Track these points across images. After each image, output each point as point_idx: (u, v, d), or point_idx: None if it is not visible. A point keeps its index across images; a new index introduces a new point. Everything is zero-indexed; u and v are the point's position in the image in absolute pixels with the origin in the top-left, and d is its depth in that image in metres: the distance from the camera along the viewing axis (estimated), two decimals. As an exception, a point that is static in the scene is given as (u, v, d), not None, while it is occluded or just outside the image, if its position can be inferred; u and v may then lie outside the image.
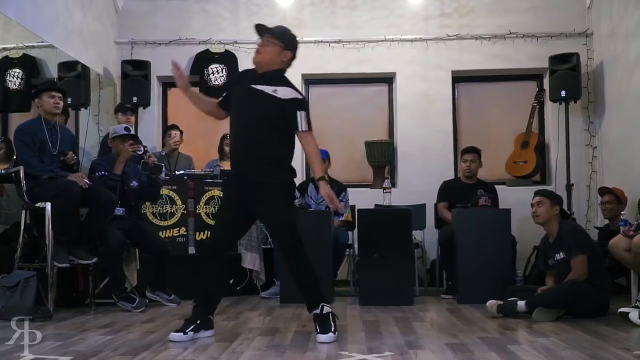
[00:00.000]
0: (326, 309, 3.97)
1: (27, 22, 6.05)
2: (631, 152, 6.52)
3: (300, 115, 3.97)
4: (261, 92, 3.95)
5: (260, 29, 4.03)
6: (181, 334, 3.81)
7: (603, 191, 6.41)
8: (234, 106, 4.07)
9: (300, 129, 3.98)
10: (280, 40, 4.01)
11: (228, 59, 7.80)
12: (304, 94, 7.92)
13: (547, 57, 7.40)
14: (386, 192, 5.83)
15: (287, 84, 4.04)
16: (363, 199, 6.60)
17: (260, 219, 4.30)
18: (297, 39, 4.14)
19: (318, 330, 3.85)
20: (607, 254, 5.16)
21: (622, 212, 5.44)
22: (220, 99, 4.20)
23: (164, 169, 6.01)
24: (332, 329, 3.84)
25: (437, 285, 6.76)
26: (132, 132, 5.76)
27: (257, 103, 3.97)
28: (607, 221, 6.41)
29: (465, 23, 7.79)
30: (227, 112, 4.16)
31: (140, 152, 5.61)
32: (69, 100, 6.52)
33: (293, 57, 4.10)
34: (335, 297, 5.87)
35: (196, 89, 4.08)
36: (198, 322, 3.91)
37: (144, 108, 7.73)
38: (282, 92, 3.97)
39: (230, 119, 4.12)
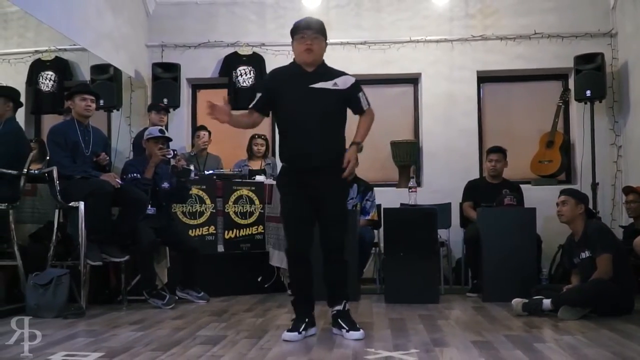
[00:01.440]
0: (347, 306, 3.99)
1: (59, 25, 6.12)
2: (657, 151, 6.42)
3: (362, 96, 4.03)
4: (323, 90, 3.92)
5: (299, 27, 3.96)
6: (296, 333, 3.78)
7: (627, 190, 6.33)
8: (292, 108, 3.94)
9: (365, 109, 4.03)
10: (323, 34, 3.99)
11: (256, 60, 7.83)
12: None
13: (571, 57, 7.31)
14: (411, 192, 5.80)
15: (339, 72, 4.04)
16: (389, 198, 6.58)
17: (322, 209, 4.00)
18: None
19: (347, 328, 3.83)
20: (631, 253, 5.09)
21: (648, 211, 5.36)
22: (254, 103, 4.07)
23: (192, 173, 6.04)
24: (358, 326, 3.84)
25: (462, 284, 6.71)
26: (166, 134, 5.79)
27: (322, 101, 3.91)
28: (631, 220, 6.31)
29: (489, 24, 7.73)
30: (262, 115, 4.10)
31: (170, 156, 5.65)
32: (101, 102, 6.60)
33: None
34: (361, 295, 5.85)
35: (232, 111, 4.00)
36: (307, 320, 3.90)
37: (174, 109, 7.78)
38: (342, 82, 3.97)
39: (284, 123, 4.01)
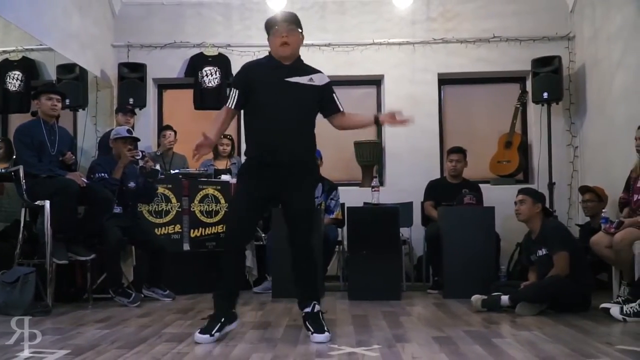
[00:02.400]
0: (317, 308, 3.86)
1: (27, 25, 6.04)
2: (611, 152, 6.55)
3: (336, 97, 3.95)
4: (298, 85, 3.80)
5: (279, 19, 3.84)
6: (207, 335, 3.58)
7: (584, 190, 6.44)
8: (266, 101, 3.79)
9: (341, 110, 3.94)
10: (298, 26, 3.86)
11: (221, 61, 7.80)
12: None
13: (529, 60, 7.43)
14: (374, 191, 5.84)
15: (314, 69, 3.94)
16: (352, 197, 6.61)
17: (289, 205, 3.90)
18: None
19: (312, 330, 3.69)
20: (588, 251, 5.18)
21: (604, 210, 5.45)
22: (234, 102, 3.86)
23: (160, 173, 6.00)
24: (326, 328, 3.70)
25: (423, 281, 6.77)
26: (134, 134, 5.74)
27: (297, 95, 3.80)
28: (588, 219, 6.43)
29: (451, 27, 7.80)
30: (238, 110, 3.95)
31: (138, 157, 5.60)
32: (67, 101, 6.50)
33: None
34: (326, 293, 5.87)
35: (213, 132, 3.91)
36: (222, 319, 3.71)
37: (140, 109, 7.71)
38: (318, 79, 3.88)
39: (256, 116, 3.86)
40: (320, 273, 5.70)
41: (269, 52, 3.93)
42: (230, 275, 3.85)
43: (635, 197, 5.06)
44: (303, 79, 3.83)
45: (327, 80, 3.94)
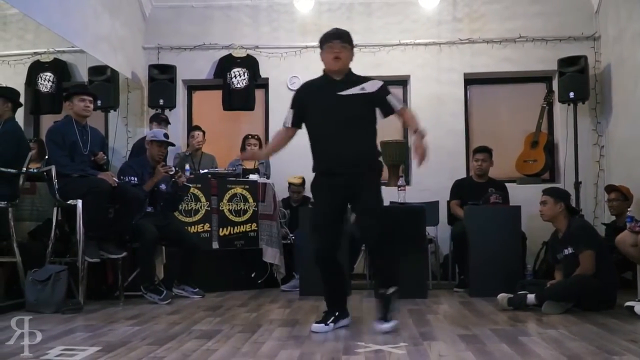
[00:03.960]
0: (390, 291, 3.93)
1: (57, 27, 6.10)
2: (637, 151, 6.45)
3: (390, 98, 4.04)
4: (350, 96, 3.97)
5: (328, 37, 4.00)
6: (323, 324, 3.85)
7: (609, 189, 6.35)
8: (320, 117, 4.02)
9: (397, 109, 4.04)
10: (350, 44, 4.04)
11: (249, 62, 7.83)
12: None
13: (555, 60, 7.34)
14: (401, 190, 5.82)
15: (367, 77, 4.09)
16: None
17: (357, 205, 4.04)
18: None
19: (378, 317, 3.86)
20: (614, 250, 5.10)
21: (629, 209, 5.37)
22: (291, 121, 4.12)
23: (190, 188, 6.02)
24: (389, 317, 3.83)
25: (449, 279, 6.73)
26: (170, 140, 5.80)
27: (350, 107, 3.97)
28: (613, 218, 6.34)
29: (476, 27, 7.74)
30: (298, 128, 4.15)
31: (171, 173, 5.64)
32: (99, 102, 6.57)
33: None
34: (352, 291, 5.85)
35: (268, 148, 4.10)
36: (337, 313, 3.95)
37: (170, 110, 7.76)
38: (370, 86, 4.02)
39: (314, 132, 4.08)
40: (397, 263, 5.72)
41: (323, 70, 4.09)
42: (332, 285, 4.08)
43: (662, 196, 4.98)
44: (354, 90, 3.99)
45: (380, 84, 4.06)
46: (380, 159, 4.23)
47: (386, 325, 3.79)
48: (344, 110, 3.96)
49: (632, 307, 4.31)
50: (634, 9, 6.60)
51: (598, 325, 3.98)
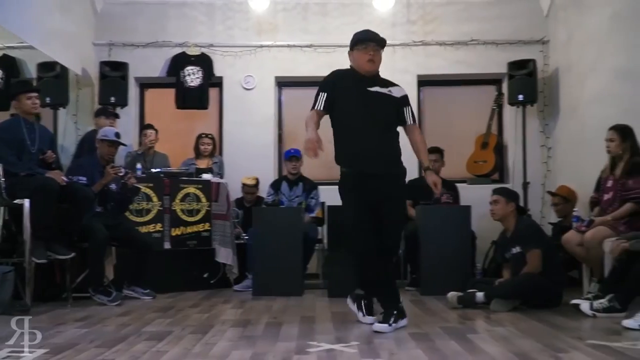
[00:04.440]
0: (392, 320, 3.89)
1: (7, 23, 5.94)
2: (583, 153, 6.60)
3: (408, 110, 4.16)
4: (379, 93, 4.08)
5: (368, 38, 4.13)
6: (386, 325, 3.82)
7: (551, 194, 6.53)
8: (349, 110, 4.05)
9: (408, 123, 4.16)
10: (382, 47, 4.15)
11: (204, 61, 7.74)
12: (278, 95, 7.95)
13: (505, 63, 7.47)
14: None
15: (393, 83, 4.22)
16: (333, 196, 6.53)
17: (386, 210, 4.07)
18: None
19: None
20: (560, 249, 5.23)
21: (575, 209, 5.51)
22: (322, 104, 4.10)
23: (140, 190, 5.93)
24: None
25: (402, 278, 6.76)
26: (121, 139, 5.70)
27: (378, 104, 4.05)
28: (560, 218, 6.49)
29: (430, 30, 7.81)
30: (325, 113, 4.13)
31: (121, 174, 5.53)
32: (47, 99, 6.43)
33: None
34: (305, 290, 5.86)
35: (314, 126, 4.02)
36: (395, 312, 3.90)
37: (122, 108, 7.62)
38: (396, 91, 4.16)
39: (340, 122, 4.11)
40: (300, 270, 5.72)
41: (351, 66, 4.19)
42: (383, 282, 4.08)
43: (605, 196, 5.13)
44: (383, 90, 4.10)
45: (404, 93, 4.21)
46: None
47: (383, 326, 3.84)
48: (374, 107, 4.04)
49: (578, 305, 4.40)
50: (582, 13, 6.76)
51: (545, 323, 4.06)
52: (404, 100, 4.19)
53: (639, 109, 5.49)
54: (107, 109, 6.80)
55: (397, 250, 4.13)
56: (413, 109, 4.24)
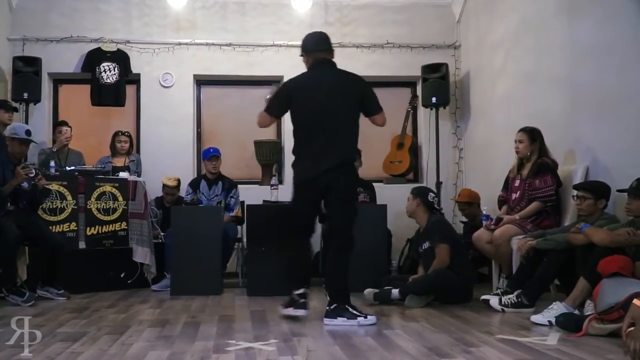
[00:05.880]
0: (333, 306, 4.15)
1: None
2: (493, 153, 6.85)
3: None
4: None
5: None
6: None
7: (456, 201, 6.77)
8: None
9: None
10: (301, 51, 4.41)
11: (120, 57, 7.56)
12: (197, 93, 7.87)
13: (419, 66, 7.66)
14: (273, 189, 5.86)
15: None
16: (252, 195, 6.58)
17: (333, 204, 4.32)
18: (308, 37, 4.50)
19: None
20: (471, 246, 5.40)
21: (484, 208, 5.70)
22: None
23: (51, 192, 5.74)
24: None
25: (319, 275, 6.81)
26: (33, 137, 5.50)
27: None
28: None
29: (347, 32, 7.91)
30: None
31: (32, 175, 5.32)
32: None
33: (306, 56, 4.45)
34: (224, 289, 5.84)
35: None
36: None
37: (35, 104, 7.37)
38: None
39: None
40: (219, 269, 5.70)
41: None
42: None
43: (513, 195, 5.31)
44: None
45: None
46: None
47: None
48: None
49: (488, 300, 4.56)
50: (492, 19, 7.01)
51: (456, 318, 4.20)
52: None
53: (544, 112, 5.73)
54: (6, 102, 6.52)
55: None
56: (270, 98, 4.53)
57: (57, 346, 3.32)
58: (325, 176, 4.18)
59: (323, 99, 4.28)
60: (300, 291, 4.18)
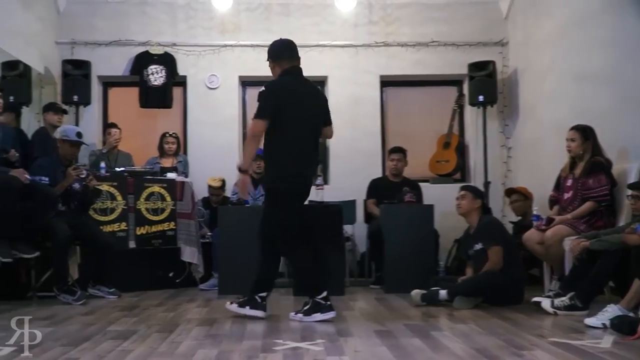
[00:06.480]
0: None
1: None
2: (541, 152, 6.73)
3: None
4: None
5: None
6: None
7: (509, 192, 6.61)
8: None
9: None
10: (269, 57, 4.42)
11: (167, 60, 7.70)
12: (242, 95, 7.92)
13: (466, 64, 7.57)
14: (319, 189, 5.85)
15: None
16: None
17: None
18: (278, 43, 4.53)
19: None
20: (521, 247, 5.31)
21: (535, 208, 5.59)
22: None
23: (101, 193, 5.86)
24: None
25: (366, 276, 6.82)
26: (83, 138, 5.63)
27: None
28: (520, 217, 6.58)
29: (391, 31, 7.88)
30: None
31: (83, 176, 5.45)
32: (11, 98, 6.31)
33: (274, 63, 4.44)
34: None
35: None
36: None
37: (84, 107, 7.54)
38: None
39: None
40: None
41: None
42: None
43: (565, 195, 5.20)
44: None
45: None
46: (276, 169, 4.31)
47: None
48: None
49: (539, 302, 4.45)
50: (539, 15, 6.89)
51: (506, 320, 4.12)
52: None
53: (593, 109, 5.61)
54: (55, 105, 6.68)
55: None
56: (260, 104, 4.28)
57: (107, 344, 3.37)
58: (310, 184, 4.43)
59: (308, 105, 4.34)
60: (324, 294, 4.20)
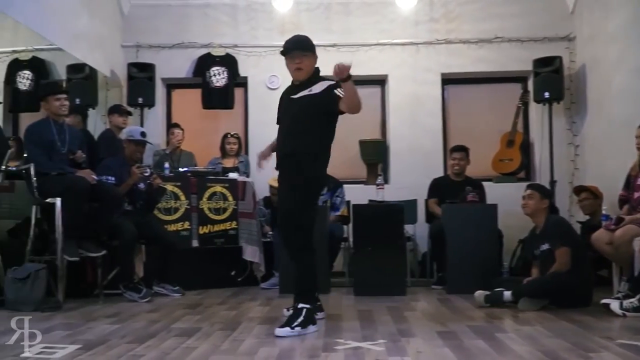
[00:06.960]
0: (298, 305, 3.82)
1: (35, 25, 6.00)
2: (610, 150, 6.53)
3: (333, 92, 3.98)
4: (299, 98, 4.08)
5: (288, 49, 4.09)
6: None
7: (579, 189, 6.44)
8: (281, 122, 4.28)
9: (340, 96, 3.93)
10: (310, 49, 4.11)
11: (229, 61, 7.80)
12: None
13: (531, 60, 7.40)
14: (379, 188, 5.83)
15: (319, 79, 4.12)
16: (357, 194, 6.58)
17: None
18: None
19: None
20: (589, 247, 5.16)
21: (604, 207, 5.43)
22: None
23: (166, 192, 5.98)
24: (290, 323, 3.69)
25: (427, 277, 6.76)
26: (147, 138, 5.78)
27: (297, 107, 4.08)
28: (588, 216, 6.41)
29: (452, 28, 7.78)
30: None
31: (147, 174, 5.58)
32: (77, 100, 6.51)
33: (314, 56, 4.19)
34: (331, 288, 5.86)
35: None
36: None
37: (149, 108, 7.71)
38: (318, 87, 4.06)
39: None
40: (326, 268, 5.73)
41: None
42: None
43: (636, 194, 5.03)
44: (304, 92, 4.07)
45: (327, 84, 4.05)
46: (318, 158, 4.17)
47: (281, 330, 3.63)
48: (291, 111, 4.13)
49: (608, 304, 4.33)
50: (608, 10, 6.68)
51: (574, 322, 4.01)
52: (327, 90, 4.01)
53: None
54: (120, 107, 6.85)
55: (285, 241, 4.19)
56: (341, 89, 3.96)
57: (172, 341, 3.44)
58: None
59: None
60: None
